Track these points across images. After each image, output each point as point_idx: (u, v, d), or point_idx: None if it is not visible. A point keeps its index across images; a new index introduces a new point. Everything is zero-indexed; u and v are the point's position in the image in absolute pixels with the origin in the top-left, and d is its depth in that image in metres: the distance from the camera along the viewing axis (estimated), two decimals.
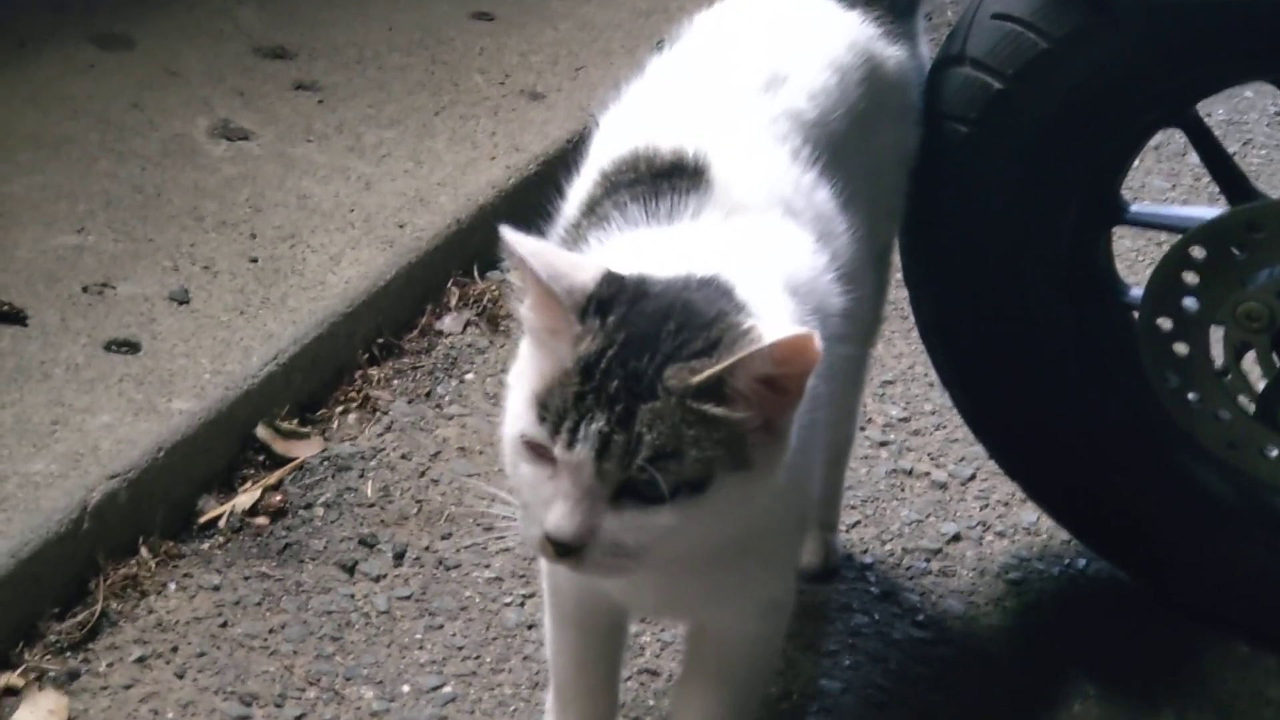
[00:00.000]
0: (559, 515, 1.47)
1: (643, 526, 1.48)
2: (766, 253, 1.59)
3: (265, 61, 3.32)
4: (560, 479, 1.48)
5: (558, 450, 1.46)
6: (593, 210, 1.73)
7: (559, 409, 1.46)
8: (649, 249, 1.60)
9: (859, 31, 1.97)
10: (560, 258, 1.51)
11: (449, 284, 2.84)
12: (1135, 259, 2.99)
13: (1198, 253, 2.01)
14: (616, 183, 1.73)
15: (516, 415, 1.50)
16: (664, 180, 1.69)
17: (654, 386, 1.45)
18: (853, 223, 1.81)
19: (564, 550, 1.48)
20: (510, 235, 1.47)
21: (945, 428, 2.60)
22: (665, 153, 1.72)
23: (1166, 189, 3.30)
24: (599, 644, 1.88)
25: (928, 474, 2.52)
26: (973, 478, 2.51)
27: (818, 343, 1.43)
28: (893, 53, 2.00)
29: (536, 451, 1.49)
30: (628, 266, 1.54)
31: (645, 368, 1.46)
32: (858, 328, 1.84)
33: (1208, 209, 2.09)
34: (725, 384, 1.45)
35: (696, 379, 1.44)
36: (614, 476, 1.46)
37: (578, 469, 1.46)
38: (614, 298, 1.48)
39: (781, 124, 1.80)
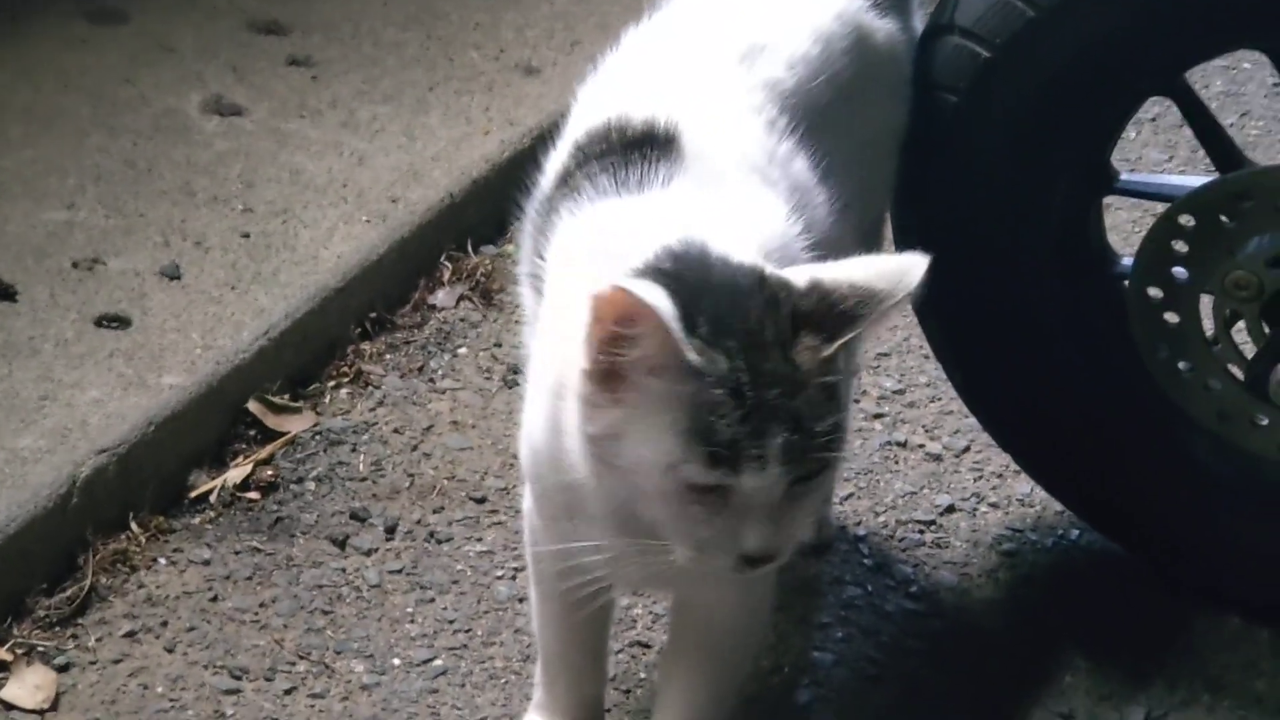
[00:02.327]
0: (763, 535, 1.47)
1: (815, 501, 1.52)
2: (738, 219, 1.58)
3: (259, 37, 3.31)
4: (746, 504, 1.46)
5: (746, 480, 1.44)
6: (565, 181, 1.73)
7: (733, 442, 1.42)
8: (620, 218, 1.60)
9: (847, 2, 1.95)
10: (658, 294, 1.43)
11: (442, 258, 2.83)
12: (1132, 230, 2.97)
13: (1186, 221, 2.00)
14: (589, 153, 1.72)
15: (665, 466, 1.45)
16: (635, 150, 1.68)
17: (795, 378, 1.44)
18: (834, 195, 1.80)
19: (762, 560, 1.49)
20: (641, 292, 1.40)
21: (940, 400, 2.59)
22: (637, 123, 1.71)
23: (1163, 160, 3.28)
24: (585, 618, 1.87)
25: (922, 446, 2.52)
26: (967, 450, 2.50)
27: None
28: (882, 25, 1.99)
29: (704, 490, 1.46)
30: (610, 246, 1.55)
31: (777, 365, 1.44)
32: None
33: (1198, 178, 2.08)
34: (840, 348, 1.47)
35: (826, 353, 1.45)
36: (795, 474, 1.45)
37: (770, 487, 1.45)
38: (686, 311, 1.42)
39: (757, 94, 1.79)
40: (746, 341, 1.45)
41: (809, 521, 1.54)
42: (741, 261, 1.52)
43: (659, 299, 1.40)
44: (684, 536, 1.50)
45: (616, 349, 1.44)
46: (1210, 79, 3.51)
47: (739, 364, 1.44)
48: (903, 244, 2.16)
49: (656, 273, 1.49)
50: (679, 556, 1.51)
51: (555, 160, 1.80)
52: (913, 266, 1.48)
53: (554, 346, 1.60)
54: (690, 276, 1.49)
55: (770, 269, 1.51)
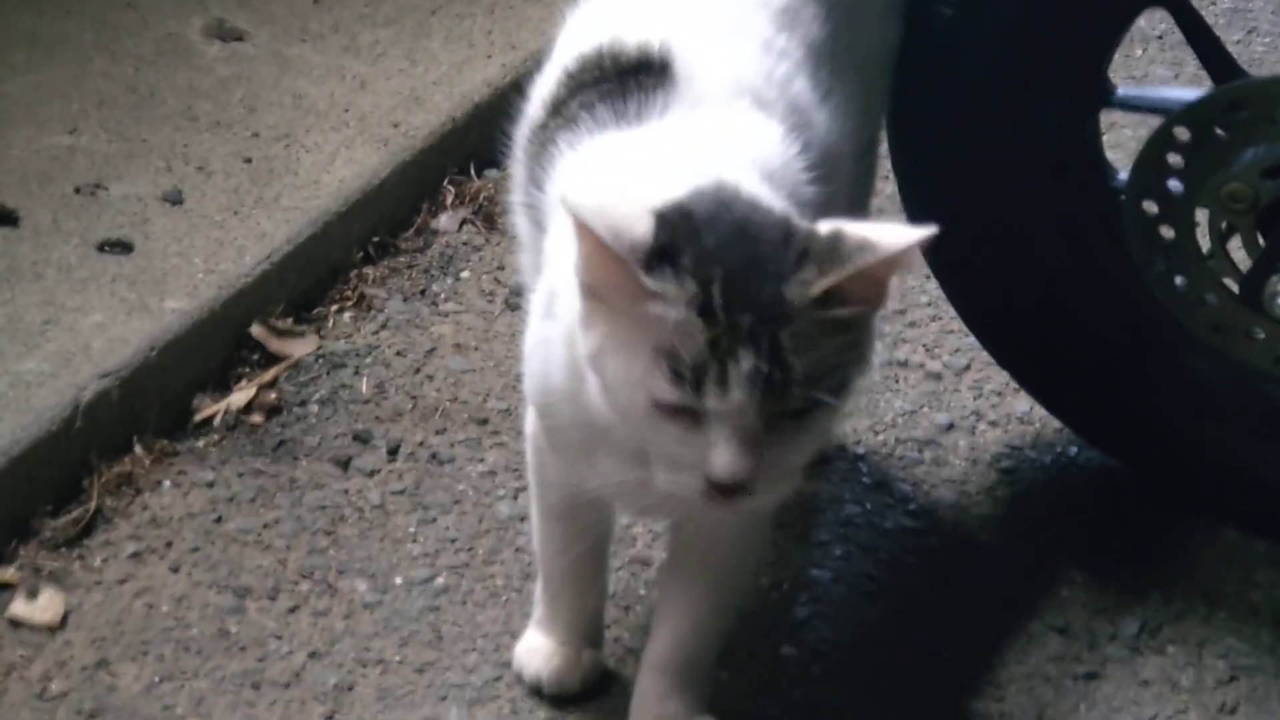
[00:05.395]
0: (729, 458, 1.43)
1: (804, 442, 1.48)
2: (736, 143, 1.57)
3: None
4: (715, 426, 1.44)
5: (710, 402, 1.42)
6: (559, 111, 1.71)
7: (696, 361, 1.41)
8: (621, 151, 1.59)
9: None
10: (619, 213, 1.42)
11: (445, 182, 2.82)
12: (1137, 147, 2.96)
13: (1182, 134, 1.99)
14: (582, 82, 1.71)
15: (637, 382, 1.44)
16: (630, 78, 1.67)
17: (784, 309, 1.42)
18: (833, 117, 1.79)
19: (733, 490, 1.46)
20: (575, 196, 1.41)
21: (940, 319, 2.59)
22: (630, 49, 1.69)
23: (1169, 78, 3.26)
24: (585, 536, 1.88)
25: (922, 365, 2.52)
26: (967, 368, 2.51)
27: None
28: None
29: (675, 410, 1.45)
30: (635, 183, 1.53)
31: (764, 293, 1.42)
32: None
33: (1193, 90, 2.07)
34: (846, 287, 1.43)
35: (816, 288, 1.42)
36: (772, 409, 1.43)
37: (737, 413, 1.43)
38: (673, 241, 1.43)
39: (753, 15, 1.77)
40: (737, 271, 1.43)
41: (797, 463, 1.49)
42: (770, 207, 1.50)
43: (608, 218, 1.39)
44: (657, 455, 1.50)
45: (599, 268, 1.44)
46: None
47: (716, 289, 1.42)
48: (899, 163, 2.16)
49: (667, 205, 1.47)
50: (656, 478, 1.50)
51: (544, 86, 1.79)
52: (913, 231, 1.46)
53: (566, 292, 1.58)
54: (703, 210, 1.47)
55: (797, 219, 1.49)
